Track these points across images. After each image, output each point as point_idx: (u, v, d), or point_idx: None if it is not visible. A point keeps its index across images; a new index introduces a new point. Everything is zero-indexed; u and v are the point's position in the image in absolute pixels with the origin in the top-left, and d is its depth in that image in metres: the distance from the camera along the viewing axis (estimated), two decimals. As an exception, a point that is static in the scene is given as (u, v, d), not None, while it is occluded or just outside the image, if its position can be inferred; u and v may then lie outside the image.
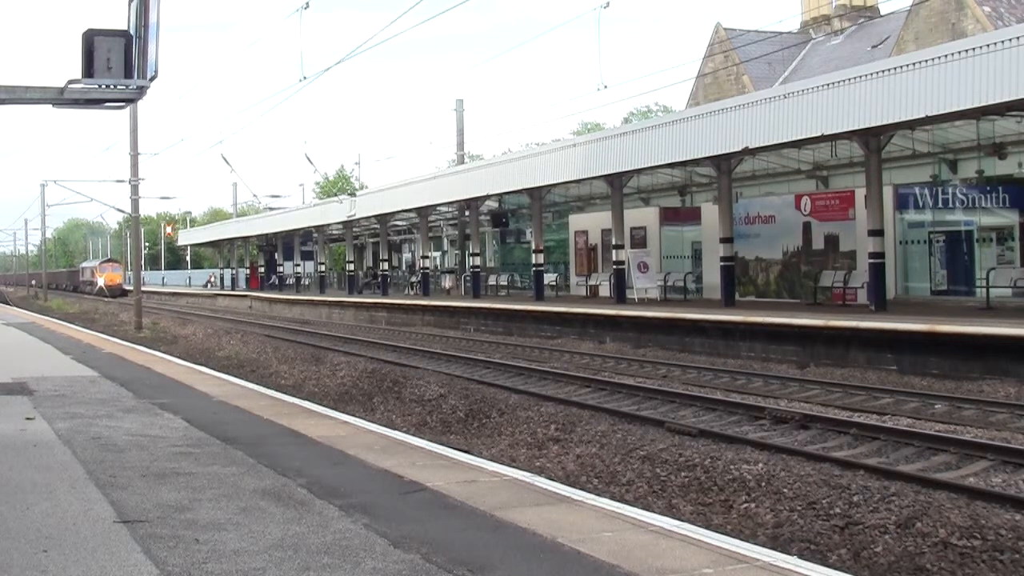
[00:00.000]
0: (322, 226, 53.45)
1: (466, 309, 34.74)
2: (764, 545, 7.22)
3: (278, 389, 15.76)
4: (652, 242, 33.96)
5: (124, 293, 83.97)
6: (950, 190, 26.72)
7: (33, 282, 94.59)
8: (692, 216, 34.00)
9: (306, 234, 59.32)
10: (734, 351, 22.39)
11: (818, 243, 27.72)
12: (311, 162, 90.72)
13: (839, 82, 20.60)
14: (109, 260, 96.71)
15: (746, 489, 9.47)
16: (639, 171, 30.04)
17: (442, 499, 6.95)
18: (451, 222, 51.40)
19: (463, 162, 49.25)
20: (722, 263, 27.42)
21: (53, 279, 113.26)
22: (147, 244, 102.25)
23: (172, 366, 18.00)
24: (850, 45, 45.69)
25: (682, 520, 7.49)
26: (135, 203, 37.29)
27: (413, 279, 48.75)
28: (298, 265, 62.98)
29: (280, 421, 10.72)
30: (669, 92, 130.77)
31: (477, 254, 39.68)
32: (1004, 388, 15.92)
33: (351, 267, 54.45)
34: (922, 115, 18.95)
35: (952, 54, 17.97)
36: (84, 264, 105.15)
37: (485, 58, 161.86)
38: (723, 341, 22.89)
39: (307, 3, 25.75)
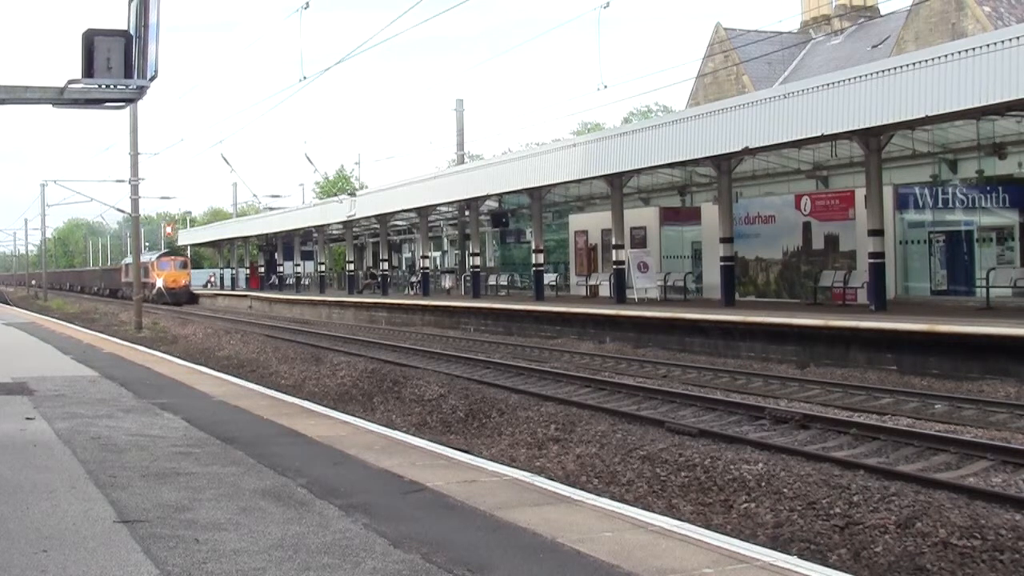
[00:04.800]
0: (322, 226, 53.45)
1: (466, 309, 34.73)
2: (764, 545, 7.22)
3: (278, 389, 15.76)
4: (652, 242, 33.96)
5: (193, 299, 67.53)
6: (950, 190, 26.71)
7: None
8: (692, 216, 34.00)
9: (306, 234, 59.31)
10: (734, 351, 22.39)
11: (818, 243, 27.72)
12: (311, 162, 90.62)
13: (839, 82, 20.59)
14: (168, 253, 73.63)
15: (746, 489, 9.47)
16: (639, 171, 30.03)
17: (442, 499, 6.95)
18: (451, 222, 51.40)
19: (463, 162, 49.24)
20: (722, 263, 27.41)
21: (78, 279, 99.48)
22: (147, 244, 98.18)
23: (172, 366, 18.00)
24: (850, 45, 45.67)
25: (682, 520, 7.49)
26: (135, 203, 37.33)
27: (413, 279, 48.74)
28: (298, 265, 62.96)
29: (280, 421, 10.72)
30: (669, 92, 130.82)
31: (477, 254, 39.67)
32: (1004, 388, 15.92)
33: (351, 267, 54.46)
34: (922, 115, 18.95)
35: (952, 54, 17.96)
36: (129, 260, 79.95)
37: (485, 58, 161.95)
38: (723, 341, 22.89)
39: (307, 3, 25.76)
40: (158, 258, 69.73)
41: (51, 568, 5.27)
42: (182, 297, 65.80)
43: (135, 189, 36.47)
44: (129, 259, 76.08)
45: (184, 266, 70.06)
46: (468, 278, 41.18)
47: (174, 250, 76.69)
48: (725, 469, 10.04)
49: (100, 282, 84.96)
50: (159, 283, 66.12)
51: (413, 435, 10.87)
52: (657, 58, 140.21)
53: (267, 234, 64.06)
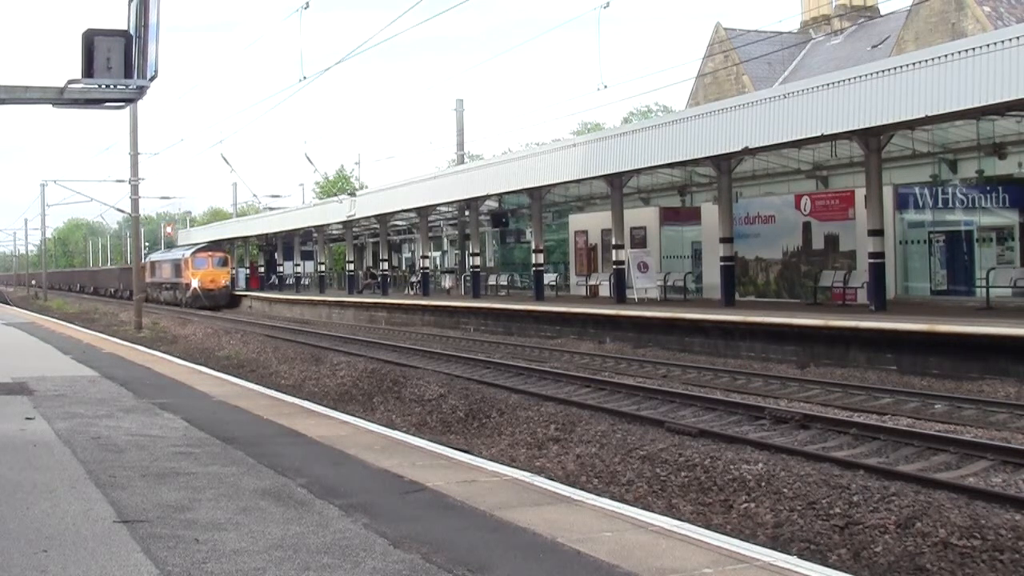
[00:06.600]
0: (322, 226, 53.46)
1: (466, 309, 34.74)
2: (764, 545, 7.22)
3: (278, 389, 15.76)
4: (652, 242, 33.96)
5: (233, 302, 58.43)
6: (950, 190, 26.71)
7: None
8: (692, 216, 34.01)
9: (306, 234, 59.28)
10: (734, 351, 22.38)
11: (818, 243, 27.73)
12: (311, 162, 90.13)
13: (839, 82, 20.60)
14: (206, 248, 61.93)
15: (746, 489, 9.47)
16: (639, 171, 30.04)
17: (442, 499, 6.95)
18: (451, 222, 51.41)
19: (463, 162, 49.23)
20: (722, 263, 27.41)
21: (91, 280, 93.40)
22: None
23: (172, 366, 18.00)
24: (850, 45, 45.67)
25: (682, 520, 7.49)
26: (135, 203, 37.35)
27: (413, 279, 48.73)
28: (298, 265, 62.95)
29: (280, 421, 10.72)
30: (669, 92, 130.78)
31: (477, 254, 39.68)
32: (1004, 388, 15.93)
33: (351, 267, 54.48)
34: (922, 115, 18.95)
35: (952, 54, 17.97)
36: (156, 256, 67.66)
37: (485, 58, 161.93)
38: (723, 341, 22.89)
39: (307, 3, 25.74)
40: (193, 254, 59.40)
41: (51, 568, 5.26)
42: (221, 300, 56.87)
43: (135, 189, 36.49)
44: (155, 255, 69.86)
45: (224, 263, 59.70)
46: (468, 278, 41.19)
47: (209, 244, 64.38)
48: (725, 469, 10.04)
49: (117, 283, 75.15)
50: (194, 283, 56.50)
51: (413, 435, 10.87)
52: (657, 58, 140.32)
53: (267, 234, 63.99)
